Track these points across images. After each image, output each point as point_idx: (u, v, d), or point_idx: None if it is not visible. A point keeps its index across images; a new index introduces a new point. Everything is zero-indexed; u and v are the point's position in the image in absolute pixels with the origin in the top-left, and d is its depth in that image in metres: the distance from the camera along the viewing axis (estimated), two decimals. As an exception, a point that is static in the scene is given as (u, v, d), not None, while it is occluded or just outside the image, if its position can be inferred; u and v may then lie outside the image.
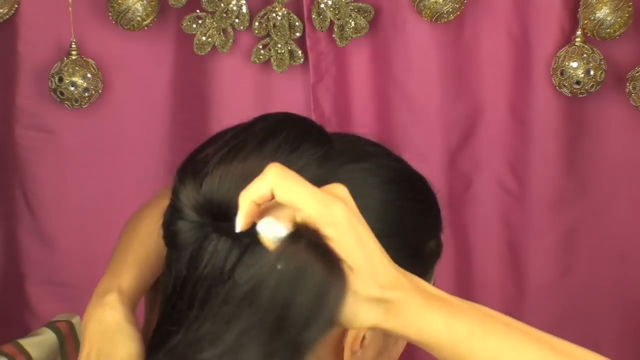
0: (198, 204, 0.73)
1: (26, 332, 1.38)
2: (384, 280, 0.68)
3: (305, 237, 0.66)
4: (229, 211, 0.71)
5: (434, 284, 0.81)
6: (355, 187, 0.72)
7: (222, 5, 1.53)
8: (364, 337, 0.76)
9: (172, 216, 0.76)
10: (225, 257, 0.73)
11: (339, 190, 0.68)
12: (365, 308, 0.68)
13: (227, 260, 0.73)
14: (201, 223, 0.73)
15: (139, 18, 1.49)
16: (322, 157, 0.77)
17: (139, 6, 1.48)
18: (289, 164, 0.71)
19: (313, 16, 1.53)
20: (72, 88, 1.52)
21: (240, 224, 0.68)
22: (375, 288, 0.67)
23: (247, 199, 0.67)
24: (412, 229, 0.80)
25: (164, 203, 0.78)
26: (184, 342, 0.71)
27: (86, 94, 1.52)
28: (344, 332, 0.76)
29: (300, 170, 0.71)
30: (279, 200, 0.67)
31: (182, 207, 0.74)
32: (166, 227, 0.76)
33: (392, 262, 0.69)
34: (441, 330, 0.69)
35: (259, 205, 0.68)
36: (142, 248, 0.88)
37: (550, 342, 0.72)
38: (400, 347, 0.82)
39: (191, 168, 0.75)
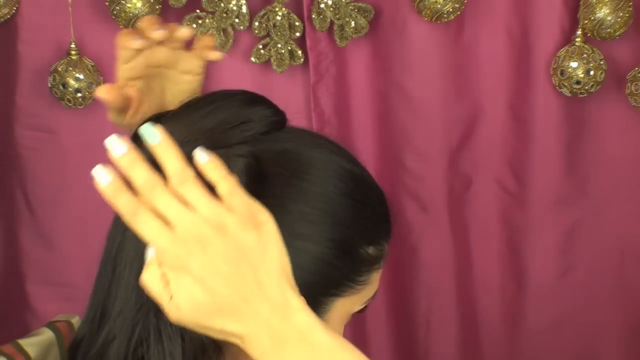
0: None
1: (26, 332, 1.38)
2: None
3: None
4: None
5: (374, 295, 0.83)
6: (297, 168, 0.77)
7: (222, 5, 1.52)
8: None
9: None
10: None
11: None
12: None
13: None
14: None
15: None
16: (272, 123, 0.80)
17: (139, 5, 1.48)
18: (239, 115, 0.78)
19: (313, 16, 1.53)
20: (71, 88, 1.52)
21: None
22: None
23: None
24: (347, 226, 0.79)
25: None
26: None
27: (86, 94, 1.52)
28: None
29: (249, 121, 0.77)
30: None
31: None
32: None
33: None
34: None
35: None
36: None
37: None
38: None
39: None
